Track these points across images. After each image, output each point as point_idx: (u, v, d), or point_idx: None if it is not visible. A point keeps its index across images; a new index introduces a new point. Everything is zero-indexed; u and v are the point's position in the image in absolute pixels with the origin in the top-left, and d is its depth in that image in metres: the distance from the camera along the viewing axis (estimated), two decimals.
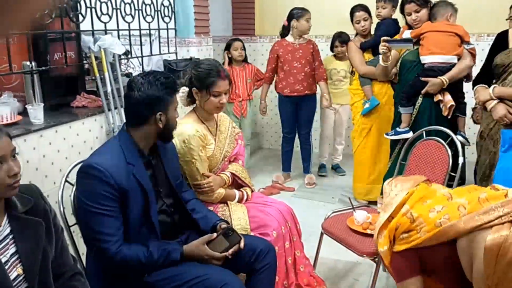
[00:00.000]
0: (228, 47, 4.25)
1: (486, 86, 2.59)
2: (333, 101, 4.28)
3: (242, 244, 1.87)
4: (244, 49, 4.26)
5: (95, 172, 1.67)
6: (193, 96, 2.30)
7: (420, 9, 3.07)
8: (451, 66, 2.96)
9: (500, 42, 2.60)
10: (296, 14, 4.02)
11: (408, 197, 1.81)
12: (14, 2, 0.43)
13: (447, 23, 3.02)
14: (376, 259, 2.25)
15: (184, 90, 2.32)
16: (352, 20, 3.77)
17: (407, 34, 3.13)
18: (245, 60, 4.29)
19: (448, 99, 2.94)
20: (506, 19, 2.75)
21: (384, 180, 3.27)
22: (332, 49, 4.42)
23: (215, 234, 1.88)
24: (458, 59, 2.97)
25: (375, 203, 3.04)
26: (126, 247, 1.71)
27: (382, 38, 3.04)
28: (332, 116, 4.49)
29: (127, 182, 1.71)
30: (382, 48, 3.00)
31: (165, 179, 1.96)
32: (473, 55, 3.03)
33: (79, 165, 2.06)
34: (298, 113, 4.23)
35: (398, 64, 3.22)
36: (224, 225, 1.97)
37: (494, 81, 2.60)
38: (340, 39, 4.30)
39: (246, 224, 2.23)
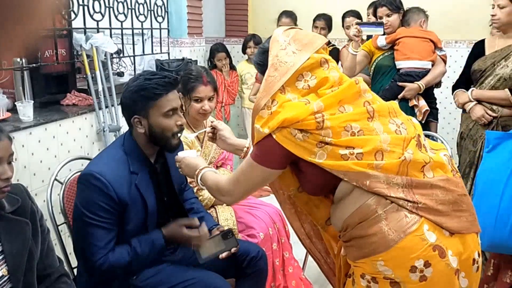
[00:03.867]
0: (212, 54, 4.20)
1: (465, 90, 2.76)
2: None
3: (233, 250, 1.81)
4: (229, 56, 4.21)
5: (96, 182, 1.61)
6: None
7: (391, 13, 3.11)
8: (426, 71, 3.04)
9: (477, 50, 2.76)
10: (277, 19, 4.02)
11: (311, 65, 1.41)
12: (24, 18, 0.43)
13: (421, 29, 3.10)
14: None
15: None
16: (343, 25, 3.80)
17: (381, 40, 3.14)
18: (231, 67, 4.23)
19: (423, 104, 3.03)
20: (489, 25, 2.84)
21: None
22: (244, 51, 4.38)
23: (195, 220, 1.81)
24: (432, 65, 3.06)
25: None
26: (111, 253, 1.65)
27: (354, 21, 3.12)
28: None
29: (128, 194, 1.65)
30: (353, 31, 3.03)
31: (170, 185, 1.88)
32: (444, 61, 3.15)
33: (69, 163, 2.06)
34: None
35: (372, 68, 3.24)
36: (222, 228, 1.91)
37: (472, 86, 2.75)
38: (255, 39, 4.27)
39: (233, 225, 2.23)
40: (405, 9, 3.18)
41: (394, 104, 1.50)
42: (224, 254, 1.77)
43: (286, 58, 1.41)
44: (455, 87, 2.89)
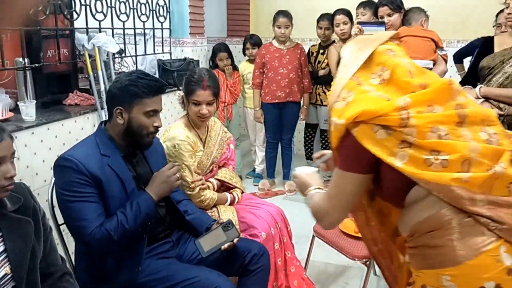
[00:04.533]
0: (214, 54, 4.19)
1: (471, 87, 2.75)
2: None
3: (236, 241, 1.85)
4: (231, 56, 4.19)
5: (66, 163, 1.68)
6: None
7: (392, 13, 3.11)
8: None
9: (486, 47, 2.76)
10: (273, 19, 3.98)
11: (378, 56, 1.37)
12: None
13: (422, 28, 3.10)
14: (368, 262, 2.25)
15: (179, 94, 2.34)
16: (332, 23, 3.80)
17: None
18: (233, 67, 4.22)
19: None
20: (493, 26, 2.84)
21: None
22: (244, 53, 4.38)
23: (172, 165, 1.85)
24: (433, 64, 3.06)
25: None
26: (102, 224, 1.68)
27: (356, 21, 3.13)
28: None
29: (101, 172, 1.70)
30: (354, 30, 3.03)
31: (150, 177, 1.89)
32: (445, 61, 3.14)
33: None
34: (281, 118, 4.15)
35: None
36: (221, 221, 1.95)
37: (479, 83, 2.74)
38: (252, 40, 4.27)
39: (235, 224, 2.23)
40: (406, 9, 3.19)
41: (492, 112, 1.35)
42: (226, 245, 1.81)
43: (352, 55, 1.39)
44: (462, 84, 2.87)
